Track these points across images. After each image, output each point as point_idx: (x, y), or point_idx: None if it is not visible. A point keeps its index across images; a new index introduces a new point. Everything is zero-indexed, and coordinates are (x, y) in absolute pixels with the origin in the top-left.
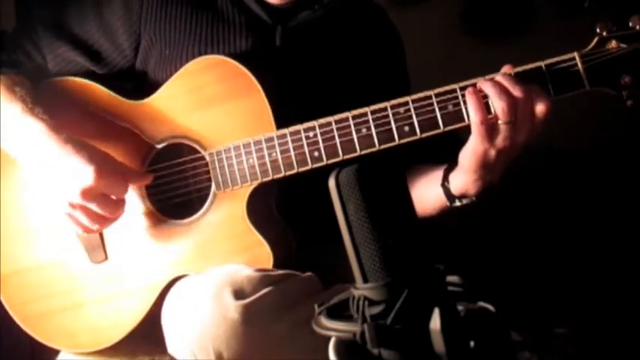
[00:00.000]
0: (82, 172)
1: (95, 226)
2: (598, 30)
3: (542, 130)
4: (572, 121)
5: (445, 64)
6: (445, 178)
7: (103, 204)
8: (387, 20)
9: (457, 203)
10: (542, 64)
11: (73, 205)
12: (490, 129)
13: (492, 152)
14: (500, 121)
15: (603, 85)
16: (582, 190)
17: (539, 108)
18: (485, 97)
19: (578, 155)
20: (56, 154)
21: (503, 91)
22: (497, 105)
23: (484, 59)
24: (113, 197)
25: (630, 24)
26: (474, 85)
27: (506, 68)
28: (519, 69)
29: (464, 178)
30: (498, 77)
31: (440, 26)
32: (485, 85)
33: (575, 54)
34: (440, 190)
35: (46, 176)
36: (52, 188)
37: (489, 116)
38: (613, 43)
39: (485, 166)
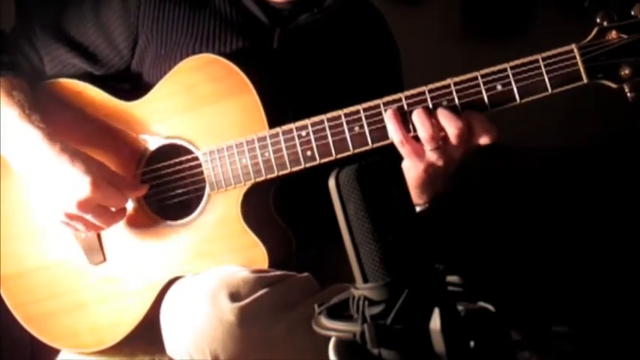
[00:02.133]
0: (79, 184)
1: (91, 232)
2: (598, 20)
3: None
4: (571, 118)
5: (445, 64)
6: None
7: (99, 214)
8: (385, 26)
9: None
10: (538, 56)
11: (69, 215)
12: (416, 151)
13: (427, 170)
14: (425, 148)
15: (602, 78)
16: (582, 190)
17: (482, 140)
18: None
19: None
20: (51, 164)
21: (432, 124)
22: (421, 135)
23: (484, 59)
24: (111, 208)
25: (632, 13)
26: (398, 109)
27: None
28: (515, 62)
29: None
30: (439, 110)
31: (440, 26)
32: (414, 116)
33: (573, 46)
34: None
35: (42, 184)
36: (48, 197)
37: (411, 135)
38: (613, 34)
39: (426, 182)
